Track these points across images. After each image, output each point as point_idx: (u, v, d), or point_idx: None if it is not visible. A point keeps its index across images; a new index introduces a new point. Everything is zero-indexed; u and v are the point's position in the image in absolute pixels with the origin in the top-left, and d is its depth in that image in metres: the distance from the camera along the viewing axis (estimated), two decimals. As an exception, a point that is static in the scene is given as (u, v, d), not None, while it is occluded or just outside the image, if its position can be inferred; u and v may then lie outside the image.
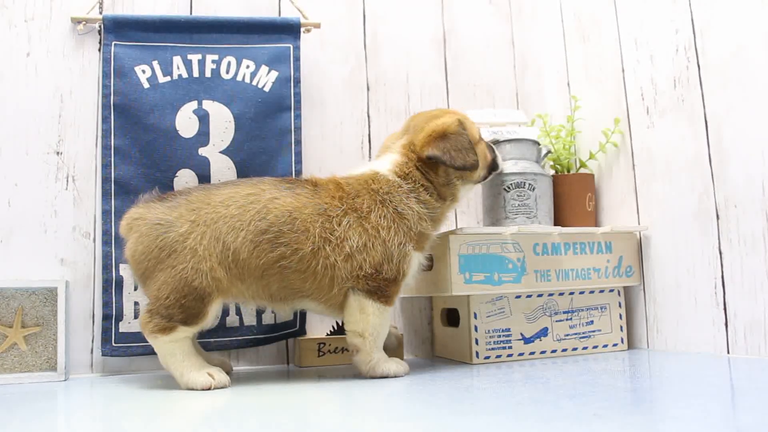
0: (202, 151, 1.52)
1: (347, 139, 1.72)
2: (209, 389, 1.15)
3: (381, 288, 1.24)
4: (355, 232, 1.22)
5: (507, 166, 1.57)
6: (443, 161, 1.27)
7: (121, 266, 1.47)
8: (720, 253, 1.35)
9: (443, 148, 1.28)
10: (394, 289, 1.26)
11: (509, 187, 1.54)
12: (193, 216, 1.21)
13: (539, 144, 1.61)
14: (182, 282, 1.18)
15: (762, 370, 1.11)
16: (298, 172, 1.58)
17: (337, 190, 1.26)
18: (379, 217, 1.24)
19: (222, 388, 1.17)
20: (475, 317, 1.42)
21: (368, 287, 1.23)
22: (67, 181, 1.51)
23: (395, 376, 1.25)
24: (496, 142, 1.59)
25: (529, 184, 1.53)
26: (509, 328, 1.44)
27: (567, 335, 1.49)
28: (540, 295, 1.48)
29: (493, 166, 1.42)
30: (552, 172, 1.72)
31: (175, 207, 1.23)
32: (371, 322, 1.24)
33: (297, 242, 1.21)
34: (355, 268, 1.22)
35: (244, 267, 1.21)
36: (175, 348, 1.19)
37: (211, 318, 1.21)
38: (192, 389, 1.16)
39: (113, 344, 1.45)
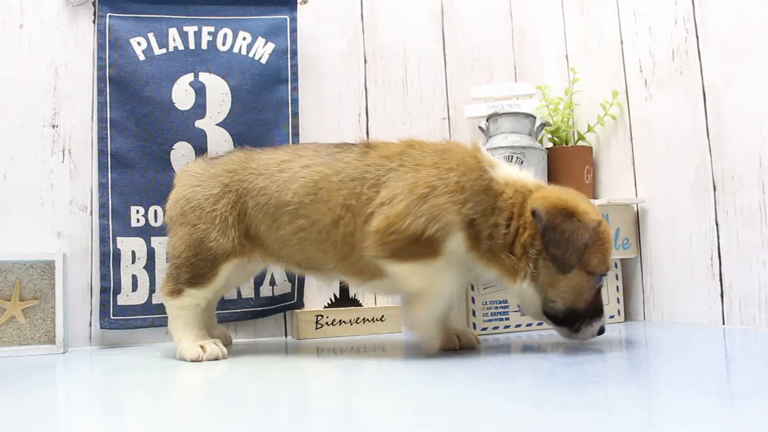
0: (199, 124, 1.51)
1: (345, 111, 1.71)
2: (198, 361, 1.15)
3: (400, 247, 1.05)
4: (388, 188, 1.07)
5: (497, 140, 1.56)
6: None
7: (119, 239, 1.47)
8: (717, 225, 1.35)
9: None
10: (416, 247, 1.04)
11: None
12: (227, 179, 1.21)
13: (534, 117, 1.60)
14: (197, 241, 1.19)
15: (756, 340, 1.12)
16: (296, 146, 1.57)
17: (405, 146, 1.13)
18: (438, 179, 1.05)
19: (214, 360, 1.17)
20: (473, 289, 1.42)
21: (390, 250, 1.05)
22: (63, 154, 1.50)
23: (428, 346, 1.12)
24: (496, 116, 1.58)
25: (517, 158, 1.53)
26: (506, 300, 1.45)
27: (564, 307, 1.50)
28: (537, 268, 1.48)
29: None
30: (549, 144, 1.71)
31: (214, 164, 1.25)
32: (413, 283, 1.09)
33: (318, 213, 1.13)
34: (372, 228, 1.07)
35: (266, 238, 1.20)
36: (180, 315, 1.21)
37: (221, 279, 1.21)
38: (183, 359, 1.17)
39: (111, 317, 1.45)
